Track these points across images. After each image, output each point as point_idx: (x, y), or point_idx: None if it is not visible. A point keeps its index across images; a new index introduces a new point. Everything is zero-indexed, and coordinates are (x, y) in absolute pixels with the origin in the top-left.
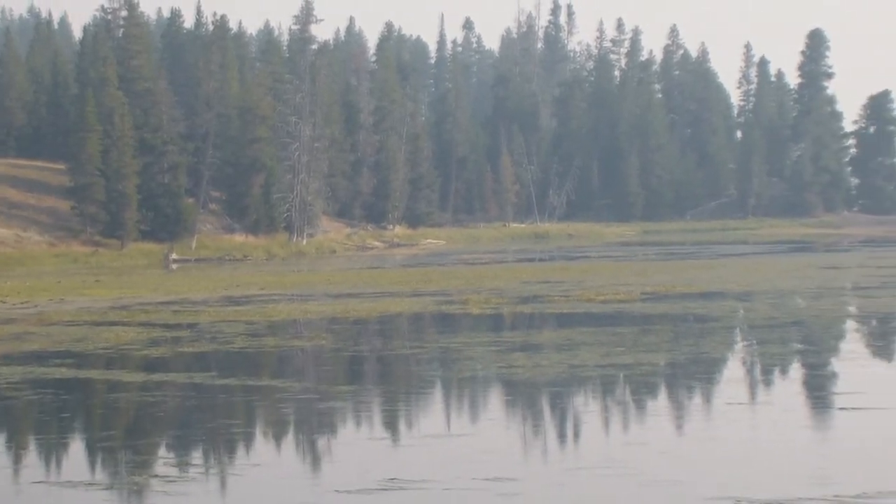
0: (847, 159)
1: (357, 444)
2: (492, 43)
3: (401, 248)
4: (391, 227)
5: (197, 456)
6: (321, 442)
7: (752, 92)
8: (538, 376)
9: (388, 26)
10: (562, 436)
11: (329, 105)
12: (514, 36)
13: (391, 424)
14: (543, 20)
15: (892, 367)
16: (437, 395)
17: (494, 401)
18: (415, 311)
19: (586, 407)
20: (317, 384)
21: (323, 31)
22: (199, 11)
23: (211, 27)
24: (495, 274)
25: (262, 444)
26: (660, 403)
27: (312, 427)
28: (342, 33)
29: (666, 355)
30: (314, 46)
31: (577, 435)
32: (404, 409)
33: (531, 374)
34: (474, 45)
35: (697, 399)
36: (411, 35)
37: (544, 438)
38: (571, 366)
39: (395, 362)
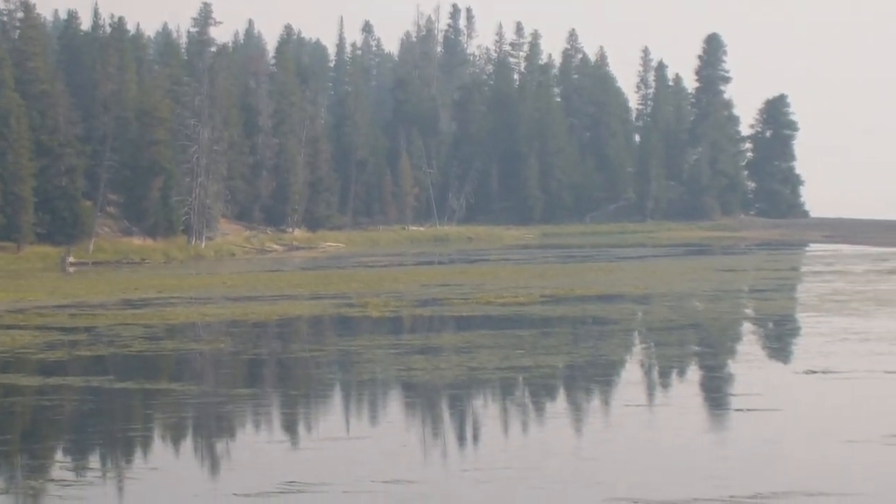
0: (744, 163)
1: (256, 447)
2: (391, 46)
3: (300, 252)
4: (290, 230)
5: (94, 460)
6: (220, 445)
7: (650, 96)
8: (437, 379)
9: (288, 29)
10: (461, 438)
11: (228, 108)
12: (414, 39)
13: (290, 427)
14: (443, 24)
15: (787, 369)
16: (337, 397)
17: (394, 403)
18: (314, 314)
19: (486, 409)
20: (216, 387)
21: (222, 34)
22: (96, 13)
23: (108, 29)
24: (395, 277)
25: (160, 448)
26: (559, 405)
27: (211, 430)
28: (241, 36)
29: (565, 358)
30: (213, 49)
31: (476, 437)
32: (304, 412)
33: (431, 376)
34: (374, 49)
35: (596, 401)
36: (311, 38)
37: (444, 441)
38: (471, 368)
39: (295, 365)
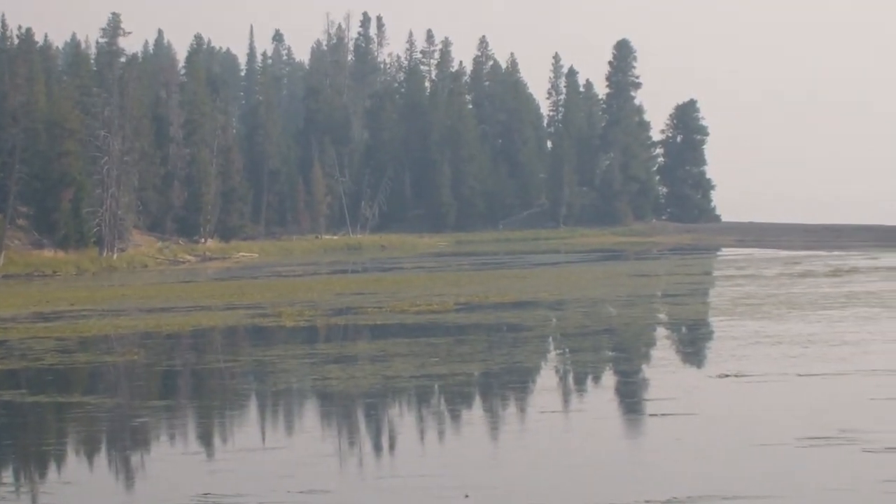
0: (655, 168)
1: (170, 459)
2: (302, 55)
3: (213, 262)
4: (203, 240)
5: (7, 475)
6: (134, 458)
7: (561, 102)
8: (353, 388)
9: (198, 39)
10: (377, 447)
11: (138, 118)
12: (325, 48)
13: (205, 439)
14: (353, 32)
15: (701, 373)
16: (252, 408)
17: (310, 413)
18: (228, 325)
19: (402, 418)
20: (129, 400)
21: (131, 44)
22: (3, 25)
23: (16, 41)
24: (309, 286)
25: (73, 462)
26: (475, 413)
27: (125, 443)
28: (151, 46)
29: (480, 365)
30: (122, 59)
31: (392, 446)
32: (219, 424)
33: (346, 385)
34: (285, 58)
35: (512, 408)
36: (221, 47)
37: (360, 450)
38: (386, 377)
39: (209, 376)
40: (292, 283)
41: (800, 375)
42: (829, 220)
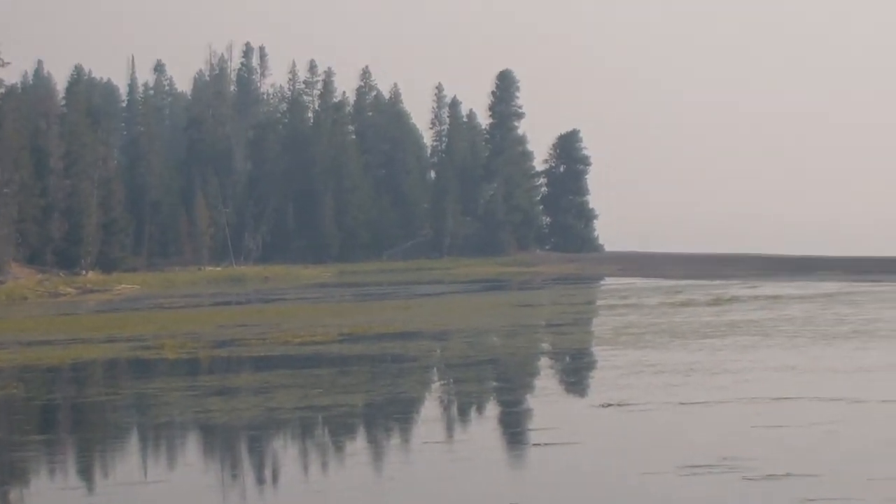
0: (539, 198)
1: (50, 494)
2: (184, 85)
3: (95, 294)
4: (84, 272)
5: None
6: (12, 494)
7: (444, 132)
8: (235, 420)
9: (78, 69)
10: (260, 479)
11: (17, 149)
12: (207, 78)
13: (86, 473)
14: (236, 62)
15: (584, 403)
16: (134, 441)
17: (192, 446)
18: (109, 358)
19: (285, 450)
20: (8, 434)
21: (9, 75)
22: None
23: None
24: (191, 318)
25: None
26: (358, 444)
27: (4, 478)
28: (30, 76)
29: (364, 396)
30: (1, 90)
31: (275, 478)
32: (99, 457)
33: (228, 418)
34: (166, 88)
35: (396, 439)
36: (102, 78)
37: (243, 482)
38: (269, 409)
39: (90, 410)
40: (174, 315)
41: (681, 404)
42: (711, 249)
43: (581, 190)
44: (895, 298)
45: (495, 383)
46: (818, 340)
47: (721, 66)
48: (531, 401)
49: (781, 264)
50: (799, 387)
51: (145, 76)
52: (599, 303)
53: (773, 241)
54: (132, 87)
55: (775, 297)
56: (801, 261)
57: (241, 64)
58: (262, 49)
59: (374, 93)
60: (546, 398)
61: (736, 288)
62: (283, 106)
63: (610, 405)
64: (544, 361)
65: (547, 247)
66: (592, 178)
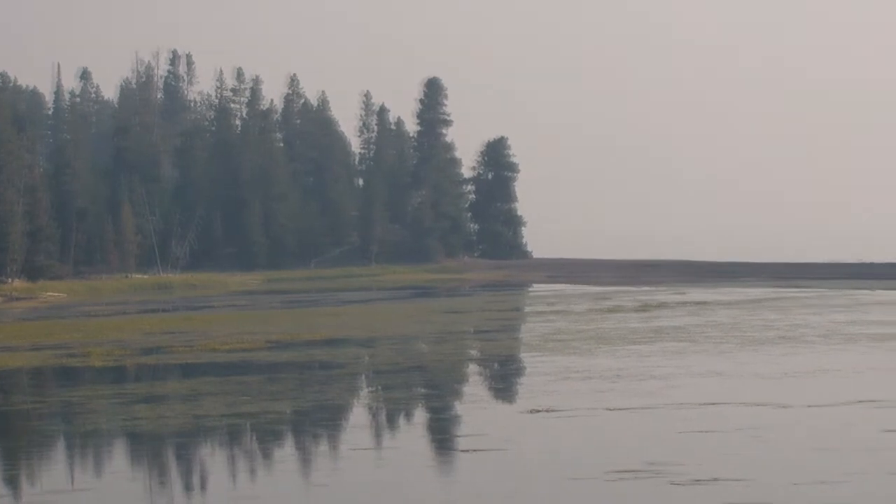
0: (467, 205)
1: None
2: (110, 93)
3: (20, 302)
4: (9, 280)
5: None
6: None
7: (372, 140)
8: (162, 428)
9: (3, 77)
10: (188, 487)
11: None
12: (134, 86)
13: (11, 482)
14: (163, 70)
15: (512, 409)
16: (60, 450)
17: (119, 454)
18: (35, 366)
19: (212, 457)
20: None
21: None
22: None
23: None
24: (118, 326)
25: None
26: (286, 451)
27: None
28: None
29: (292, 403)
30: None
31: (203, 485)
32: (26, 466)
33: (155, 425)
34: (92, 96)
35: (323, 446)
36: (27, 85)
37: (170, 490)
38: (196, 416)
39: (15, 418)
40: (101, 323)
41: (609, 410)
42: (639, 255)
43: (509, 197)
44: (820, 304)
45: (423, 390)
46: (745, 346)
47: (648, 71)
48: (459, 407)
49: (708, 270)
50: (725, 392)
51: (71, 84)
52: (527, 309)
53: (699, 247)
54: (58, 94)
55: (702, 303)
56: (727, 266)
57: (168, 72)
58: (189, 57)
59: (301, 100)
60: (474, 404)
61: (663, 294)
62: (211, 113)
63: (538, 411)
64: (472, 368)
65: (475, 253)
66: (520, 185)
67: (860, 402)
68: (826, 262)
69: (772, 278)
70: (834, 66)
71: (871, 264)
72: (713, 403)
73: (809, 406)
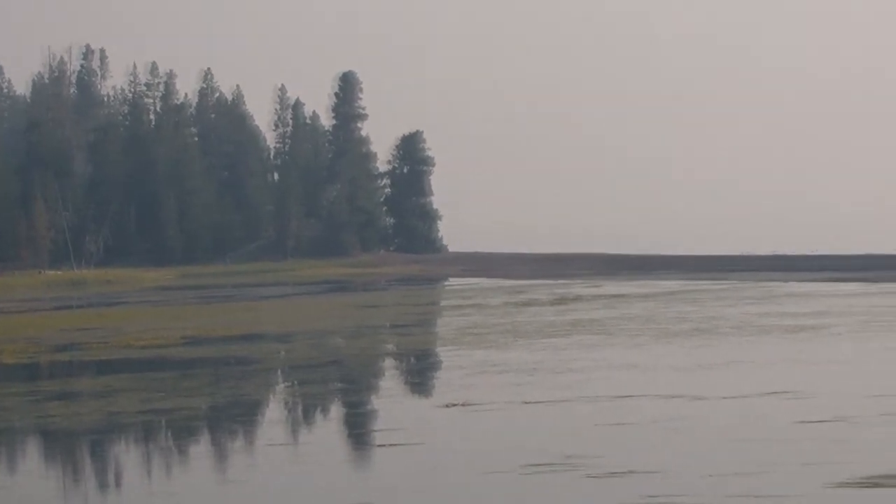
0: (382, 199)
1: None
2: (23, 88)
3: None
4: None
5: None
6: None
7: (287, 134)
8: (76, 425)
9: None
10: (103, 484)
11: None
12: (46, 81)
13: None
14: (76, 65)
15: (428, 403)
16: None
17: (32, 452)
18: None
19: (127, 454)
20: None
21: None
22: None
23: None
24: (30, 322)
25: None
26: (202, 447)
27: None
28: None
29: (207, 399)
30: None
31: (118, 482)
32: None
33: (69, 422)
34: (4, 91)
35: (240, 441)
36: None
37: (84, 488)
38: (110, 413)
39: None
40: (13, 320)
41: (525, 403)
42: (554, 249)
43: (424, 191)
44: (734, 296)
45: (340, 384)
46: (660, 338)
47: (561, 69)
48: (376, 402)
49: (623, 263)
50: (641, 385)
51: None
52: (443, 303)
53: (614, 240)
54: None
55: (618, 296)
56: (642, 259)
57: (82, 66)
58: (102, 51)
59: (216, 95)
60: (391, 399)
61: (579, 287)
62: (125, 108)
63: (454, 405)
64: (389, 362)
65: (391, 248)
66: (436, 179)
67: (774, 393)
68: (740, 254)
69: (687, 271)
70: (790, 56)
71: (785, 256)
72: (629, 396)
73: (724, 397)
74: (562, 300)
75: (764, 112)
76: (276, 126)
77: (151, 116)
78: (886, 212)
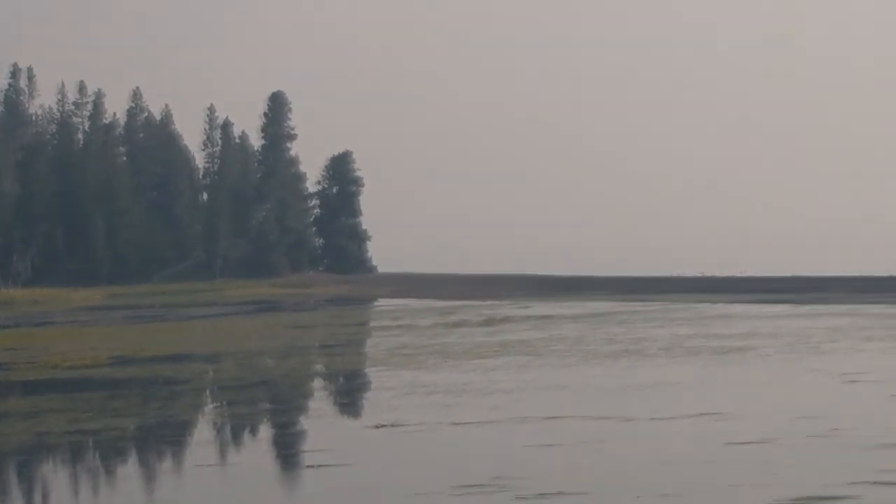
0: (311, 219)
1: None
2: None
3: None
4: None
5: None
6: None
7: (216, 154)
8: (3, 445)
9: None
10: None
11: None
12: None
13: None
14: (3, 83)
15: (357, 424)
16: None
17: None
18: None
19: (55, 475)
20: None
21: None
22: None
23: None
24: None
25: None
26: (130, 468)
27: None
28: None
29: (135, 419)
30: None
31: (45, 503)
32: None
33: None
34: None
35: (168, 462)
36: None
37: None
38: (38, 433)
39: None
40: None
41: (454, 424)
42: (484, 269)
43: (354, 211)
44: (663, 318)
45: (268, 405)
46: (589, 360)
47: (490, 88)
48: (304, 422)
49: (553, 284)
50: (570, 406)
51: None
52: (373, 324)
53: (544, 261)
54: None
55: (547, 317)
56: (572, 280)
57: (9, 85)
58: (30, 70)
59: (145, 114)
60: (319, 420)
61: (508, 308)
62: (53, 127)
63: (383, 426)
64: (318, 383)
65: (320, 268)
66: (366, 200)
67: (702, 414)
68: (670, 275)
69: (617, 292)
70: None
71: (714, 278)
72: (558, 417)
73: (652, 419)
74: (491, 321)
75: (682, 135)
76: (206, 146)
77: (80, 136)
78: (812, 234)
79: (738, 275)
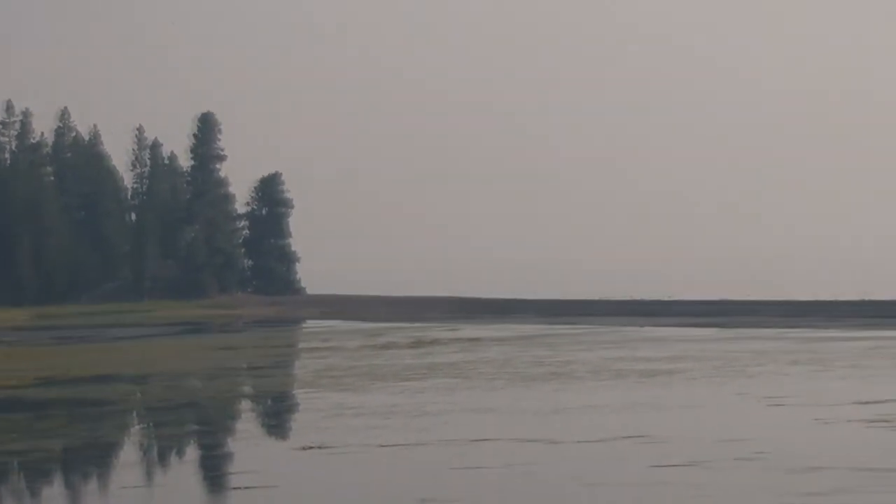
0: (240, 241)
1: None
2: None
3: None
4: None
5: None
6: None
7: (145, 174)
8: None
9: None
10: None
11: None
12: None
13: None
14: None
15: (284, 445)
16: None
17: None
18: None
19: None
20: None
21: None
22: None
23: None
24: None
25: None
26: (55, 490)
27: None
28: None
29: (62, 440)
30: None
31: None
32: None
33: None
34: None
35: (94, 484)
36: None
37: None
38: None
39: None
40: None
41: (382, 446)
42: (412, 292)
43: (283, 233)
44: (590, 341)
45: (196, 427)
46: (516, 382)
47: (423, 112)
48: (232, 444)
49: (481, 306)
50: (497, 428)
51: None
52: (301, 345)
53: (472, 283)
54: None
55: (475, 340)
56: (499, 303)
57: None
58: None
59: (73, 134)
60: (246, 441)
61: (436, 330)
62: None
63: (310, 448)
64: (245, 404)
65: (249, 289)
66: (295, 221)
67: (629, 437)
68: (597, 298)
69: (544, 315)
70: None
71: (641, 301)
72: (485, 439)
73: (579, 441)
74: (419, 343)
75: (610, 159)
76: (134, 166)
77: (7, 155)
78: (741, 258)
79: (666, 298)
